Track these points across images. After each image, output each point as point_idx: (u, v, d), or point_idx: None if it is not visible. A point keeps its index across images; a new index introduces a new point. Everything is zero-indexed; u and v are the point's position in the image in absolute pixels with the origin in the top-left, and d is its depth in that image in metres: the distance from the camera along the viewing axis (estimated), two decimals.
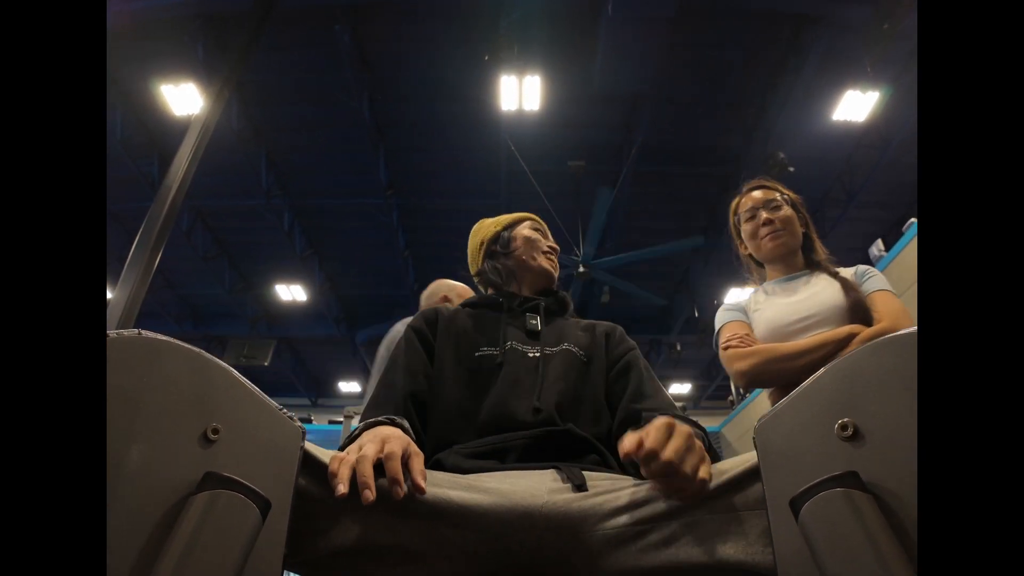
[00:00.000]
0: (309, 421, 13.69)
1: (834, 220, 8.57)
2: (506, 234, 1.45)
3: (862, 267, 1.56)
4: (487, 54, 6.23)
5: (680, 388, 14.59)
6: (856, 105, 6.75)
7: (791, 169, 6.79)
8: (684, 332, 11.23)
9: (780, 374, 1.40)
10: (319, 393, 14.79)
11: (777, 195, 1.65)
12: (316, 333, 11.71)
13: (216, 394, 0.64)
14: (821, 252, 1.64)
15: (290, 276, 9.99)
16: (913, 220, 6.07)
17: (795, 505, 0.57)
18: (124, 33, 5.73)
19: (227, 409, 0.63)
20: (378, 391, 1.11)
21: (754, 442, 0.66)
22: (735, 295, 10.24)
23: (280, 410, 0.68)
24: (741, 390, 11.35)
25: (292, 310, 11.09)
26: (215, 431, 0.61)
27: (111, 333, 0.58)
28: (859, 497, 0.54)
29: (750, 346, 1.47)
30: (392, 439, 0.77)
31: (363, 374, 13.44)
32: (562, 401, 1.07)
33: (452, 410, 1.09)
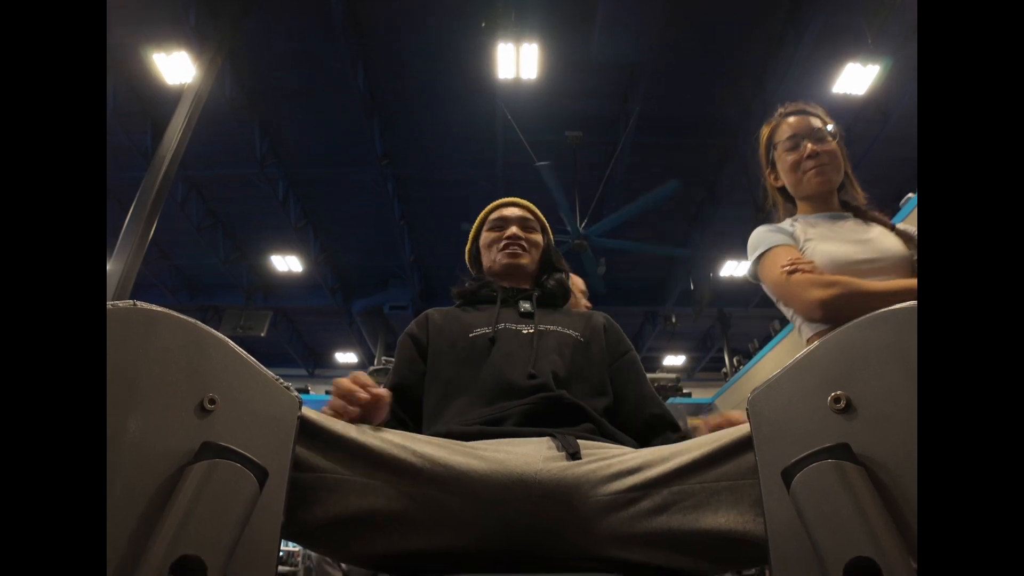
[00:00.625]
0: (306, 391, 13.80)
1: None
2: (475, 248, 1.45)
3: (911, 228, 1.41)
4: (484, 20, 6.13)
5: (674, 360, 14.70)
6: (856, 78, 6.68)
7: None
8: (679, 304, 11.27)
9: (861, 311, 1.16)
10: (316, 364, 14.87)
11: (820, 123, 1.46)
12: (312, 304, 11.73)
13: (212, 365, 0.64)
14: (860, 195, 1.50)
15: (285, 246, 9.96)
16: (911, 195, 6.06)
17: (787, 476, 0.58)
18: (115, 0, 5.62)
19: (223, 379, 0.63)
20: None
21: (747, 413, 0.67)
22: (731, 268, 10.30)
23: (276, 380, 0.68)
24: (736, 362, 11.45)
25: (288, 281, 11.08)
26: (211, 401, 0.61)
27: (107, 304, 0.58)
28: (850, 469, 0.54)
29: (824, 274, 1.30)
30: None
31: (360, 345, 13.49)
32: (557, 372, 1.08)
33: (448, 385, 1.11)
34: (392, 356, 1.49)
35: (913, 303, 0.57)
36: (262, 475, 0.58)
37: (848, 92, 6.86)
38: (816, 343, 0.64)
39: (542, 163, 6.58)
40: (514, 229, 1.37)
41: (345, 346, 14.09)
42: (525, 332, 1.17)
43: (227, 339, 0.66)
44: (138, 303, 0.62)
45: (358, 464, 0.73)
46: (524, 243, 1.36)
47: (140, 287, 10.23)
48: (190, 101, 5.60)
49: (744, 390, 10.39)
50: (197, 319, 0.63)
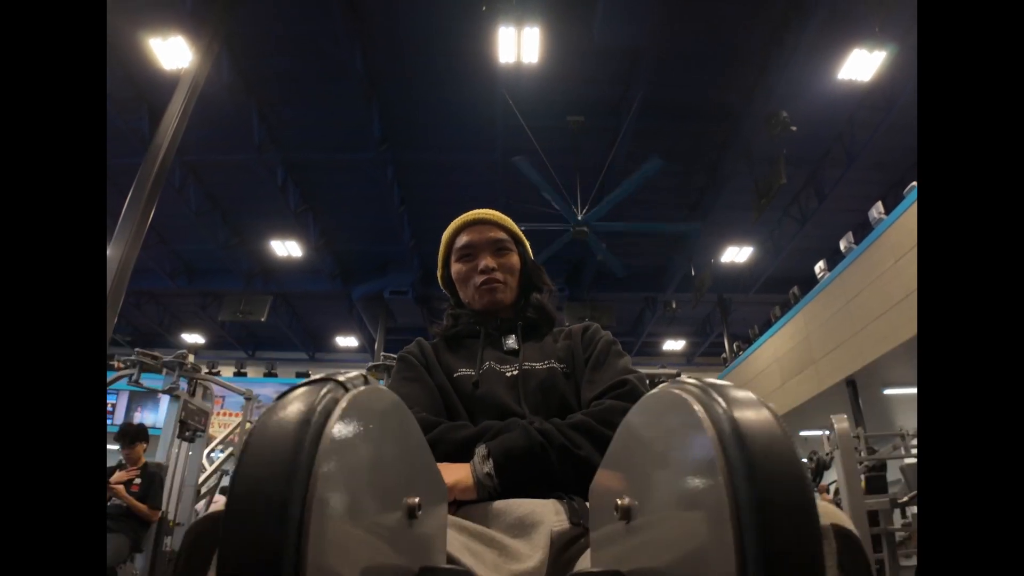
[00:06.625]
0: (307, 375, 13.85)
1: (834, 181, 8.50)
2: (447, 275, 1.30)
3: None
4: (485, 4, 6.06)
5: (674, 345, 14.74)
6: (862, 64, 6.60)
7: (793, 128, 6.70)
8: (679, 290, 11.27)
9: None
10: (316, 348, 14.88)
11: None
12: (312, 288, 11.71)
13: (416, 460, 0.53)
14: None
15: (284, 231, 9.92)
16: (915, 184, 6.03)
17: None
18: None
19: (423, 478, 0.54)
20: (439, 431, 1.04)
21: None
22: (732, 253, 10.30)
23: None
24: (735, 347, 11.48)
25: (287, 265, 11.05)
26: (420, 507, 0.50)
27: (342, 379, 0.45)
28: None
29: None
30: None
31: (360, 329, 13.50)
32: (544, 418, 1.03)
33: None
34: (391, 352, 1.40)
35: (668, 386, 0.48)
36: None
37: (853, 78, 6.80)
38: (620, 427, 0.56)
39: (518, 157, 6.54)
40: (487, 260, 1.21)
41: (345, 331, 14.09)
42: (509, 375, 1.11)
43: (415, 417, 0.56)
44: (368, 376, 0.48)
45: None
46: (499, 275, 1.21)
47: (139, 272, 10.22)
48: (187, 86, 5.54)
49: (743, 375, 10.45)
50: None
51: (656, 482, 0.46)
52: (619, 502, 0.49)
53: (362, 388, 0.45)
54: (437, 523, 0.55)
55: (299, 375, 13.66)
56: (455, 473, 0.87)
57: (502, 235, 1.25)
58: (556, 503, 0.84)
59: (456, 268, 1.25)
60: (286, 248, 10.42)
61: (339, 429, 0.39)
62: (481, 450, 0.91)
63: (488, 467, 0.88)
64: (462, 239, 1.24)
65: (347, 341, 14.56)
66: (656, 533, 0.44)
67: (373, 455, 0.45)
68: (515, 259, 1.25)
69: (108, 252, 4.81)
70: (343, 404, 0.41)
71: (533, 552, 0.76)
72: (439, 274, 1.33)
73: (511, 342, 1.19)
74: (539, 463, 0.89)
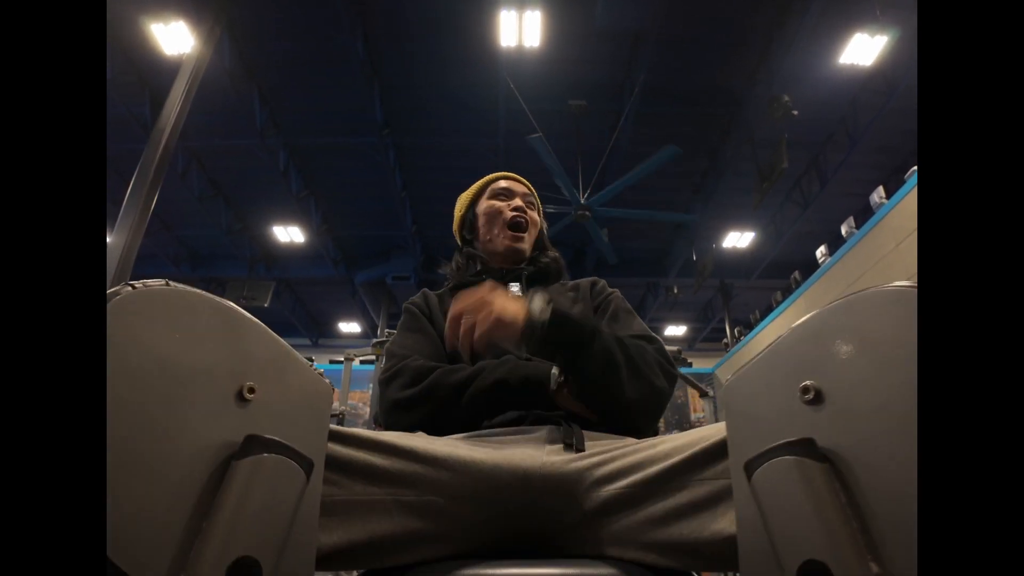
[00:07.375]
0: (311, 360, 13.86)
1: (836, 165, 8.47)
2: (470, 215, 1.39)
3: None
4: None
5: (676, 330, 14.74)
6: (863, 48, 6.58)
7: (795, 112, 6.67)
8: (681, 275, 11.26)
9: None
10: (320, 333, 14.92)
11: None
12: (315, 274, 11.72)
13: (250, 351, 0.61)
14: None
15: (287, 217, 9.92)
16: (916, 168, 6.00)
17: (748, 469, 0.56)
18: None
19: (261, 367, 0.61)
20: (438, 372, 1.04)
21: (723, 402, 0.65)
22: (734, 238, 10.27)
23: (311, 367, 0.66)
24: (736, 332, 11.48)
25: (290, 251, 11.06)
26: (251, 390, 0.58)
27: (136, 284, 0.54)
28: (810, 466, 0.52)
29: None
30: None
31: (363, 315, 13.52)
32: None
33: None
34: (394, 328, 1.43)
35: (882, 287, 0.53)
36: (308, 467, 0.57)
37: (855, 63, 6.77)
38: (790, 328, 0.61)
39: (534, 135, 6.53)
40: (518, 202, 1.33)
41: (348, 316, 14.12)
42: None
43: (262, 324, 0.64)
44: (171, 283, 0.57)
45: (357, 480, 0.69)
46: (527, 219, 1.32)
47: (142, 258, 10.20)
48: (189, 71, 5.53)
49: (744, 360, 10.45)
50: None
51: (873, 364, 0.52)
52: (809, 383, 0.55)
53: (154, 287, 0.55)
54: (285, 408, 0.61)
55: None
56: (509, 305, 0.88)
57: (532, 195, 1.40)
58: (548, 429, 0.87)
59: (489, 204, 1.35)
60: (288, 234, 10.42)
61: (119, 313, 0.52)
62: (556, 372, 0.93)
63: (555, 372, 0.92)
64: (503, 183, 1.38)
65: (350, 327, 14.59)
66: (880, 410, 0.51)
67: (164, 338, 0.55)
68: (537, 217, 1.38)
69: (111, 239, 4.83)
70: (125, 297, 0.53)
71: (516, 449, 0.80)
72: (458, 215, 1.42)
73: (515, 290, 1.24)
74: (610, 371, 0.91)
